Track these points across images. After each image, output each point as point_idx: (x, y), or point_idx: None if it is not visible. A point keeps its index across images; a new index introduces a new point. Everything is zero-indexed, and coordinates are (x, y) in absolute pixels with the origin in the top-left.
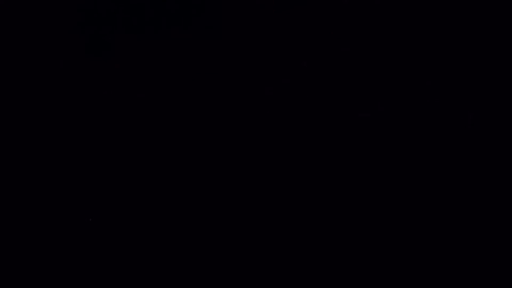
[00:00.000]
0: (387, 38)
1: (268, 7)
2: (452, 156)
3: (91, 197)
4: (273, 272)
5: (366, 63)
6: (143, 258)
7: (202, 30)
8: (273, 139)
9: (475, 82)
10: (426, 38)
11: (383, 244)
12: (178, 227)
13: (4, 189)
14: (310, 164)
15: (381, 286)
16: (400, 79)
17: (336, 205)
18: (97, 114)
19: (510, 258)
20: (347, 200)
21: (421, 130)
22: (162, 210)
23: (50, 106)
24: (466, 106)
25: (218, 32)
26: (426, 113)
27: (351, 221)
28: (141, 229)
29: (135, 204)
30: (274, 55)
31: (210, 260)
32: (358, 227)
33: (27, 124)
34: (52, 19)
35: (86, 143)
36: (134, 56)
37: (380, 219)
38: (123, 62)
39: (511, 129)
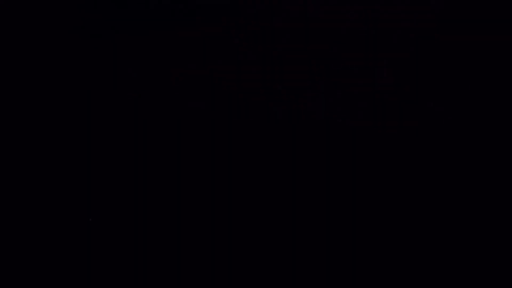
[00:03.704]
0: (389, 37)
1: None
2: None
3: (91, 197)
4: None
5: (368, 61)
6: (143, 258)
7: (204, 28)
8: (276, 139)
9: (474, 84)
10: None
11: (383, 244)
12: (178, 227)
13: (3, 188)
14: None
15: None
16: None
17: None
18: (98, 114)
19: (510, 258)
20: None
21: (420, 131)
22: (162, 210)
23: (49, 105)
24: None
25: (218, 32)
26: (426, 114)
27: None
28: (140, 229)
29: (135, 204)
30: (275, 54)
31: (209, 261)
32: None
33: (26, 123)
34: (53, 17)
35: (86, 142)
36: (134, 55)
37: (379, 219)
38: (123, 60)
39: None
